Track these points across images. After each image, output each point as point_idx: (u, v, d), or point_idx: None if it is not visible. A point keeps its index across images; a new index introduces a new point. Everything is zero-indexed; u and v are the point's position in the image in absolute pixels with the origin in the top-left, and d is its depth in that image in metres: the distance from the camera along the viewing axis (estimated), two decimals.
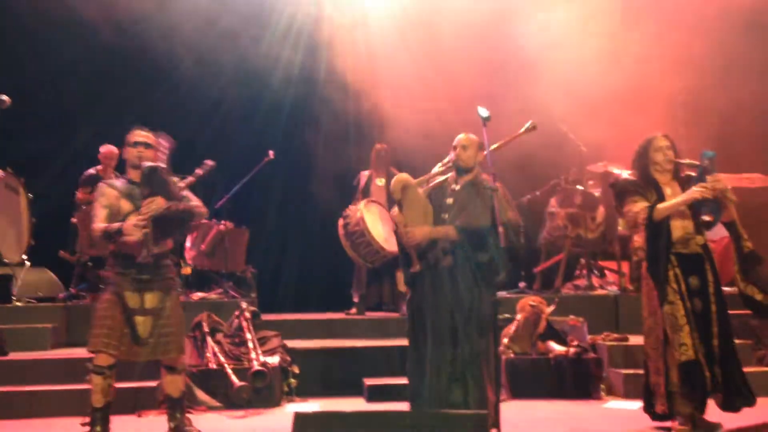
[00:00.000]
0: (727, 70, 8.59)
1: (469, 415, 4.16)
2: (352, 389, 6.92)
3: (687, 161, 5.38)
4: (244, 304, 7.44)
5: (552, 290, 8.69)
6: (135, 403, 6.27)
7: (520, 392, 6.65)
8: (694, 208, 5.22)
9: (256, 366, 6.49)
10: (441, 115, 7.76)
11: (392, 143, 8.67)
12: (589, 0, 8.57)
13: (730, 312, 5.36)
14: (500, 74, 8.39)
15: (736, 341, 5.51)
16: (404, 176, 5.23)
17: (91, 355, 5.04)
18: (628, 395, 6.65)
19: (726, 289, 5.61)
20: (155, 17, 8.83)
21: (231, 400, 6.46)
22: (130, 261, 5.05)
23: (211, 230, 8.48)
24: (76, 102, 9.36)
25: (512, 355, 6.99)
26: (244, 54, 9.41)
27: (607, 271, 9.43)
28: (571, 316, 7.41)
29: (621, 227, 8.70)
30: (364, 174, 8.80)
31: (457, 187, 5.19)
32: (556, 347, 7.05)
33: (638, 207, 5.25)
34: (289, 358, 6.93)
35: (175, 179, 5.20)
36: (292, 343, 7.21)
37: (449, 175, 5.32)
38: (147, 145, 5.19)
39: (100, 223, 5.01)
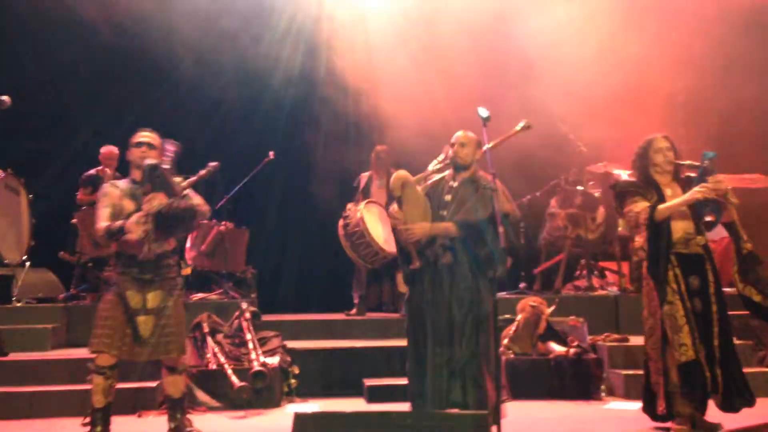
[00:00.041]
0: (728, 70, 8.59)
1: (469, 415, 4.17)
2: (352, 390, 6.93)
3: (687, 162, 5.38)
4: (244, 305, 7.44)
5: (552, 291, 8.68)
6: (135, 404, 6.27)
7: (520, 393, 6.63)
8: (695, 208, 5.22)
9: (256, 366, 6.49)
10: (441, 115, 7.75)
11: (392, 144, 8.67)
12: (589, 0, 8.57)
13: (731, 312, 5.37)
14: (500, 75, 8.38)
15: (737, 342, 5.51)
16: (403, 173, 5.23)
17: (93, 355, 5.04)
18: (628, 396, 6.65)
19: (727, 289, 5.61)
20: (155, 17, 8.82)
21: (231, 401, 6.46)
22: (132, 260, 5.05)
23: (211, 231, 8.48)
24: (76, 102, 9.36)
25: (512, 356, 6.99)
26: (244, 54, 9.42)
27: (607, 272, 9.43)
28: (572, 317, 7.41)
29: (621, 228, 8.70)
30: (364, 175, 8.80)
31: (455, 184, 5.21)
32: (557, 348, 7.05)
33: (639, 207, 5.25)
34: (289, 359, 6.93)
35: (178, 179, 5.21)
36: (292, 344, 7.20)
37: (447, 172, 5.33)
38: (150, 146, 5.19)
39: (102, 223, 5.02)
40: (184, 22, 8.85)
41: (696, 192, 5.10)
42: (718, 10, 8.06)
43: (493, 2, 8.69)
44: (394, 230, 5.27)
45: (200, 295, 8.35)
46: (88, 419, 5.04)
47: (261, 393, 6.48)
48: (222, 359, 6.68)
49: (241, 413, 6.32)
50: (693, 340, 5.08)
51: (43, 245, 8.43)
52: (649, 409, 5.39)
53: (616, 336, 7.40)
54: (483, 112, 4.99)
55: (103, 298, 5.15)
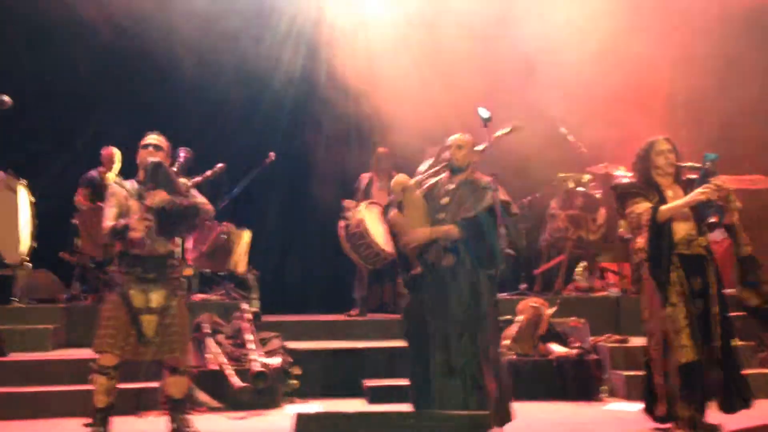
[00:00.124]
0: (728, 71, 8.59)
1: (470, 415, 4.16)
2: (353, 390, 6.91)
3: (689, 164, 5.37)
4: (245, 306, 7.43)
5: (553, 292, 8.68)
6: (136, 404, 6.26)
7: (521, 394, 6.60)
8: (697, 210, 5.21)
9: (256, 367, 6.48)
10: (442, 116, 7.75)
11: (393, 145, 8.66)
12: (589, 2, 8.57)
13: (732, 314, 5.36)
14: (501, 76, 8.38)
15: (738, 343, 5.50)
16: (403, 178, 5.23)
17: (94, 355, 5.04)
18: (629, 397, 6.64)
19: (728, 290, 5.60)
20: (156, 18, 8.82)
21: (232, 402, 6.45)
22: (136, 260, 5.06)
23: (213, 231, 8.47)
24: (76, 103, 9.35)
25: (514, 357, 6.98)
26: (244, 55, 9.41)
27: (608, 273, 9.42)
28: (573, 318, 7.41)
29: (622, 229, 8.69)
30: (365, 176, 8.80)
31: (453, 187, 5.21)
32: (558, 349, 7.05)
33: (641, 208, 5.24)
34: (290, 360, 6.92)
35: (184, 180, 5.23)
36: (293, 345, 7.20)
37: (443, 175, 5.33)
38: (157, 147, 5.23)
39: (109, 222, 5.03)
40: (184, 23, 8.85)
41: (698, 193, 5.09)
42: (719, 10, 8.07)
43: (494, 4, 8.70)
44: (395, 236, 5.26)
45: (201, 295, 8.34)
46: (89, 419, 5.03)
47: (262, 394, 6.47)
48: (223, 360, 6.67)
49: (241, 414, 6.32)
50: (694, 341, 5.07)
51: (43, 246, 8.42)
52: (650, 411, 5.39)
53: (617, 337, 7.39)
54: (484, 112, 4.99)
55: (107, 298, 5.16)
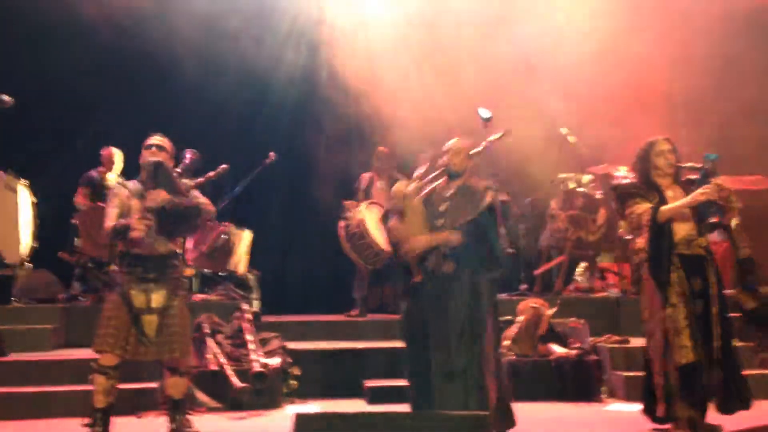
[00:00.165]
0: (728, 71, 8.59)
1: (470, 415, 4.15)
2: (353, 391, 6.91)
3: (689, 165, 5.37)
4: (245, 306, 7.42)
5: (553, 292, 8.67)
6: (135, 405, 6.26)
7: (521, 394, 6.61)
8: (697, 210, 5.21)
9: (256, 367, 6.48)
10: (442, 117, 7.76)
11: (394, 145, 8.67)
12: (589, 2, 8.57)
13: (732, 314, 5.35)
14: (501, 76, 8.38)
15: (739, 344, 5.49)
16: (403, 185, 5.26)
17: (95, 355, 5.04)
18: (629, 398, 6.63)
19: (728, 291, 5.60)
20: (157, 19, 8.83)
21: (231, 402, 6.45)
22: (137, 260, 5.06)
23: (213, 232, 8.47)
24: (76, 103, 9.35)
25: (513, 357, 6.98)
26: (245, 56, 9.41)
27: (608, 274, 9.42)
28: (573, 318, 7.40)
29: (622, 230, 8.69)
30: (365, 176, 8.81)
31: (450, 193, 5.22)
32: (558, 349, 7.04)
33: (641, 208, 5.24)
34: (289, 360, 6.92)
35: (186, 181, 5.23)
36: (292, 345, 7.19)
37: (440, 181, 5.33)
38: (160, 148, 5.24)
39: (110, 222, 5.04)
40: (185, 23, 8.85)
41: (699, 194, 5.09)
42: (718, 11, 8.07)
43: (494, 4, 8.70)
44: (395, 245, 5.25)
45: (201, 295, 8.34)
46: (88, 419, 5.03)
47: (261, 394, 6.47)
48: (222, 360, 6.67)
49: (241, 414, 6.32)
50: (694, 342, 5.07)
51: (43, 246, 8.42)
52: (650, 411, 5.38)
53: (617, 337, 7.39)
54: (484, 112, 5.00)
55: (108, 298, 5.17)
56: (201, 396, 6.48)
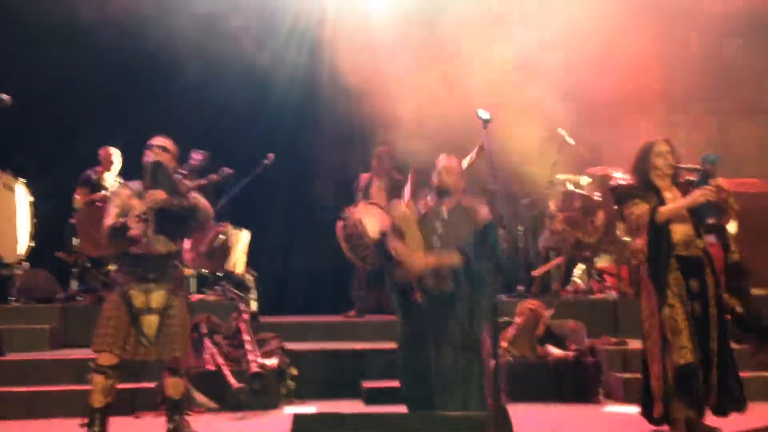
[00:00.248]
0: (727, 72, 8.59)
1: (468, 416, 4.16)
2: (351, 392, 6.90)
3: (688, 166, 5.37)
4: (242, 306, 7.42)
5: (551, 294, 8.67)
6: (133, 405, 6.26)
7: (518, 396, 6.61)
8: (695, 211, 5.21)
9: (254, 368, 6.48)
10: (443, 117, 7.76)
11: (393, 145, 8.67)
12: (589, 3, 8.57)
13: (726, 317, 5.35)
14: (501, 77, 8.39)
15: (737, 346, 5.50)
16: (404, 206, 5.34)
17: (93, 355, 5.04)
18: (627, 399, 6.62)
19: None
20: (158, 20, 8.83)
21: (229, 402, 6.43)
22: (137, 260, 5.06)
23: (211, 232, 8.47)
24: (76, 103, 9.35)
25: (511, 359, 6.98)
26: (246, 56, 9.41)
27: (606, 275, 9.42)
28: (570, 320, 7.40)
29: (620, 231, 8.69)
30: (365, 176, 8.81)
31: (444, 212, 5.28)
32: (555, 351, 7.04)
33: (640, 209, 5.24)
34: (287, 360, 6.91)
35: (188, 183, 5.24)
36: (290, 345, 7.19)
37: (429, 198, 5.38)
38: (163, 149, 5.26)
39: (109, 221, 5.04)
40: (185, 23, 8.85)
41: (699, 195, 5.09)
42: (718, 12, 8.07)
43: (495, 5, 8.71)
44: (396, 264, 5.27)
45: (199, 296, 8.34)
46: (86, 419, 5.03)
47: (259, 394, 6.46)
48: (220, 360, 6.67)
49: (238, 415, 6.30)
50: (692, 343, 5.08)
51: (41, 245, 8.42)
52: (648, 413, 5.38)
53: (614, 339, 7.39)
54: (483, 114, 5.00)
55: (108, 298, 5.18)
56: (199, 396, 6.47)
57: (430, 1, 9.26)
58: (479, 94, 7.47)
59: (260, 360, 6.65)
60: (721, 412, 5.18)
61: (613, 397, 6.88)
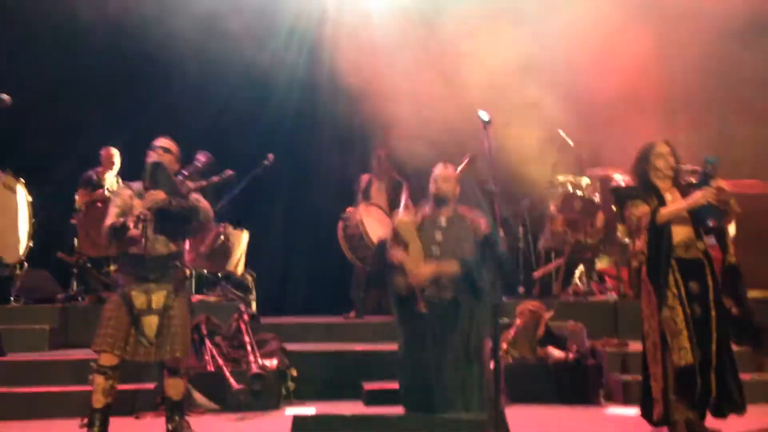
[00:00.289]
0: (728, 73, 8.59)
1: (467, 419, 4.16)
2: (351, 393, 6.90)
3: (689, 167, 5.37)
4: (242, 307, 7.42)
5: (551, 295, 8.67)
6: (133, 405, 6.26)
7: (518, 397, 6.62)
8: (696, 213, 5.21)
9: (254, 369, 6.48)
10: (444, 118, 7.77)
11: (393, 147, 8.66)
12: (590, 3, 8.57)
13: None
14: (501, 78, 8.39)
15: (737, 348, 5.49)
16: (407, 217, 5.40)
17: (93, 356, 5.04)
18: (627, 401, 6.62)
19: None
20: (158, 20, 8.82)
21: (229, 403, 6.44)
22: (138, 261, 5.05)
23: (211, 233, 8.47)
24: (77, 104, 9.34)
25: (511, 360, 6.97)
26: (247, 57, 9.40)
27: (606, 277, 9.42)
28: (571, 322, 7.39)
29: (620, 233, 8.69)
30: (365, 177, 8.80)
31: (443, 221, 5.30)
32: (556, 352, 7.04)
33: (640, 211, 5.24)
34: (287, 361, 6.91)
35: (189, 184, 5.24)
36: (290, 346, 7.19)
37: (426, 208, 5.41)
38: (166, 150, 5.27)
39: (108, 220, 5.04)
40: (186, 25, 8.84)
41: (699, 196, 5.09)
42: (718, 13, 8.06)
43: (495, 5, 8.71)
44: (398, 274, 5.27)
45: (199, 296, 8.33)
46: (86, 420, 5.03)
47: (259, 395, 6.46)
48: (220, 361, 6.67)
49: (239, 415, 6.30)
50: (692, 344, 5.07)
51: (41, 246, 8.42)
52: (648, 415, 5.37)
53: (615, 341, 7.38)
54: (484, 115, 5.00)
55: (109, 299, 5.19)
56: (198, 397, 6.47)
57: (430, 1, 9.26)
58: (479, 95, 7.47)
59: (260, 361, 6.65)
60: (720, 414, 5.17)
61: (613, 398, 6.88)
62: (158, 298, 5.07)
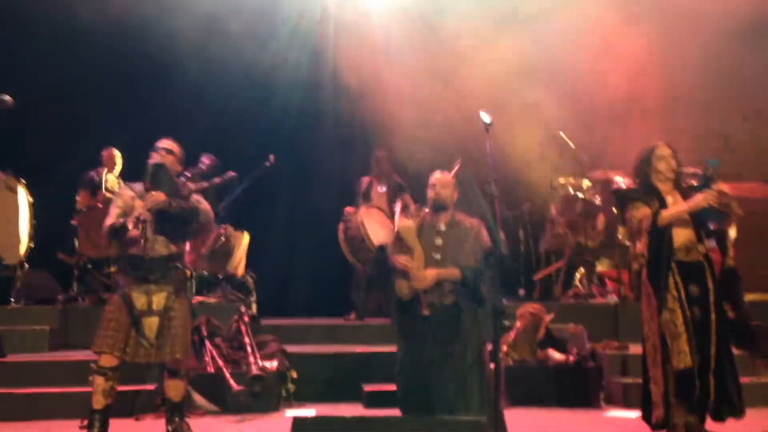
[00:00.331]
0: (729, 75, 8.59)
1: (466, 420, 4.15)
2: (351, 395, 6.89)
3: (690, 170, 5.36)
4: (243, 308, 7.42)
5: (551, 298, 8.67)
6: (133, 407, 6.25)
7: (519, 400, 6.62)
8: (696, 216, 5.21)
9: (254, 370, 6.47)
10: (445, 119, 7.77)
11: (394, 149, 8.66)
12: (590, 7, 8.57)
13: None
14: (502, 80, 8.39)
15: (737, 351, 5.49)
16: (409, 222, 5.34)
17: (93, 357, 5.04)
18: (627, 404, 6.63)
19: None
20: (158, 20, 8.83)
21: (229, 405, 6.44)
22: (138, 262, 5.05)
23: (211, 234, 8.46)
24: (77, 105, 9.35)
25: (511, 363, 6.97)
26: (248, 58, 9.41)
27: (606, 280, 9.42)
28: (571, 324, 7.39)
29: (621, 235, 8.69)
30: (366, 179, 8.80)
31: (443, 227, 5.32)
32: (556, 355, 7.04)
33: (641, 213, 5.24)
34: (287, 363, 6.91)
35: (191, 185, 5.24)
36: (290, 348, 7.19)
37: (424, 214, 5.43)
38: (169, 151, 5.28)
39: (109, 221, 5.04)
40: (186, 25, 8.85)
41: (701, 199, 5.09)
42: (719, 14, 8.07)
43: (496, 7, 8.71)
44: (401, 277, 5.27)
45: (199, 298, 8.33)
46: (86, 421, 5.03)
47: (259, 397, 6.46)
48: (220, 363, 6.66)
49: (239, 417, 6.30)
50: (691, 347, 5.07)
51: (42, 247, 8.42)
52: (648, 418, 5.36)
53: (615, 344, 7.38)
54: (485, 117, 4.99)
55: (110, 300, 5.19)
56: (198, 399, 6.47)
57: (431, 1, 9.26)
58: (480, 97, 7.47)
59: (260, 362, 6.65)
60: (719, 417, 5.17)
61: (613, 401, 6.88)
62: (159, 300, 5.07)
